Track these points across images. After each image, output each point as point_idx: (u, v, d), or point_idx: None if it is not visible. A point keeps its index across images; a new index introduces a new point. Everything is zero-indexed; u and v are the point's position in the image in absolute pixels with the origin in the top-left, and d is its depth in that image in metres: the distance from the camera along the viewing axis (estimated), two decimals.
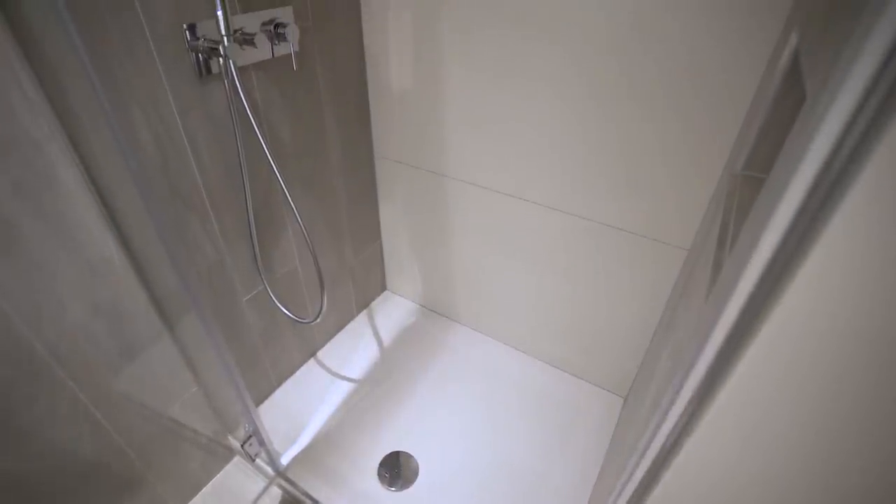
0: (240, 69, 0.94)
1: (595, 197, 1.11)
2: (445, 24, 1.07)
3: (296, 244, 1.27)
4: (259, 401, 1.38)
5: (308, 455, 1.25)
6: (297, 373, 1.48)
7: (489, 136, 1.18)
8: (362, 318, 1.70)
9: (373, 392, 1.43)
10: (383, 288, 1.81)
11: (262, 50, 0.96)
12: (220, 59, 0.86)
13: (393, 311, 1.73)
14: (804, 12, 0.55)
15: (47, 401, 0.78)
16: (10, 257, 0.68)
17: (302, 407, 1.38)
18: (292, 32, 0.95)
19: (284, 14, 0.98)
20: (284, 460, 1.23)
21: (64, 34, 0.58)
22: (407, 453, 1.26)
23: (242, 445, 1.14)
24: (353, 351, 1.57)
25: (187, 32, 0.83)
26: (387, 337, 1.63)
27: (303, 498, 1.17)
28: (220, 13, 0.80)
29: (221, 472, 1.24)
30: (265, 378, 1.37)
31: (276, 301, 1.21)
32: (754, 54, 0.79)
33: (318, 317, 1.12)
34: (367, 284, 1.70)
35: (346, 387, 1.44)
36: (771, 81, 0.64)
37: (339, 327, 1.64)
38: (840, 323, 0.30)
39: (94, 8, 0.70)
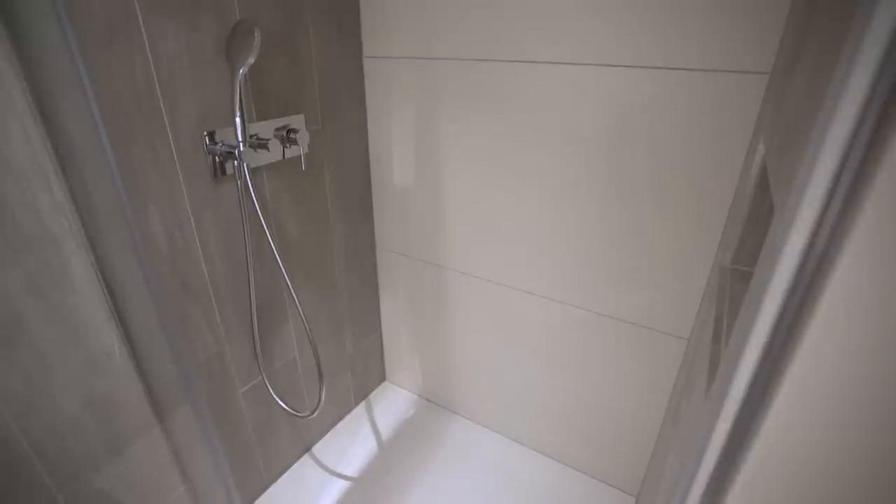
0: (252, 170, 1.00)
1: (593, 288, 1.13)
2: (444, 125, 1.16)
3: (296, 335, 1.27)
4: (249, 501, 1.30)
5: None
6: (292, 469, 1.41)
7: (488, 230, 1.22)
8: (360, 409, 1.65)
9: (370, 490, 1.35)
10: (383, 378, 1.78)
11: (274, 153, 1.03)
12: (235, 163, 0.92)
13: (392, 403, 1.68)
14: (767, 126, 0.61)
15: (22, 501, 0.74)
16: (13, 349, 0.68)
17: None
18: (303, 137, 1.02)
19: (296, 121, 1.07)
20: None
21: (97, 140, 0.63)
22: None
23: None
24: (350, 445, 1.50)
25: (207, 138, 0.90)
26: (385, 430, 1.57)
27: None
28: (238, 122, 0.87)
29: None
30: (257, 475, 1.31)
31: (273, 394, 1.19)
32: (731, 156, 0.85)
33: (315, 410, 1.10)
34: (367, 375, 1.67)
35: (341, 485, 1.37)
36: (747, 182, 0.68)
37: (337, 419, 1.58)
38: (829, 433, 0.31)
39: (126, 115, 0.76)
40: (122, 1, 0.72)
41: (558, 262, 1.15)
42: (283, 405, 1.19)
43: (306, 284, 1.26)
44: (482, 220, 1.22)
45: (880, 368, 0.29)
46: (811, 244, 0.29)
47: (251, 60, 0.84)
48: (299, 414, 1.16)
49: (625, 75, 0.90)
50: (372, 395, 1.71)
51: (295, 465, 1.43)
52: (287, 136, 1.03)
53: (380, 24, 1.15)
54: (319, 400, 1.07)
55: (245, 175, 0.90)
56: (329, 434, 1.54)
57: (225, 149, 0.91)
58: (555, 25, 0.93)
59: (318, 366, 1.02)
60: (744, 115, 0.81)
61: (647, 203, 0.98)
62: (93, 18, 0.69)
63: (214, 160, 0.93)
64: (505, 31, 0.99)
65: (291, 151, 1.06)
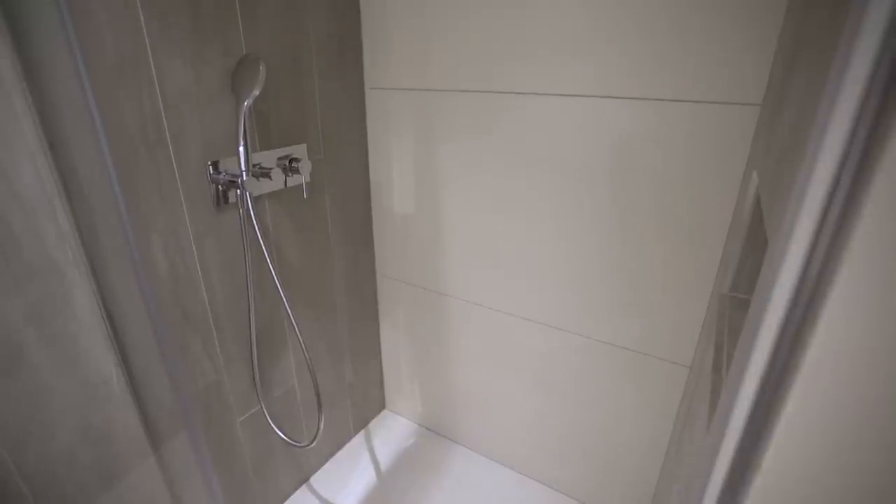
0: (254, 198, 1.01)
1: (593, 315, 1.13)
2: (444, 154, 1.18)
3: (295, 363, 1.26)
4: None
5: None
6: (289, 500, 1.38)
7: (488, 257, 1.23)
8: (360, 438, 1.62)
9: None
10: (382, 407, 1.76)
11: (277, 181, 1.05)
12: (238, 191, 0.94)
13: (392, 432, 1.66)
14: (760, 157, 0.62)
15: None
16: (10, 380, 0.68)
17: None
18: (305, 166, 1.04)
19: (299, 150, 1.09)
20: None
21: (104, 171, 0.65)
22: None
23: None
24: (349, 476, 1.48)
25: (210, 167, 0.92)
26: (385, 460, 1.54)
27: None
28: (241, 152, 0.89)
29: None
30: None
31: (271, 423, 1.17)
32: (726, 186, 0.86)
33: (313, 440, 1.08)
34: (366, 403, 1.66)
35: None
36: (743, 211, 0.69)
37: (336, 448, 1.56)
38: (830, 472, 0.31)
39: (133, 147, 0.78)
40: (134, 35, 0.74)
41: (558, 289, 1.15)
42: (282, 435, 1.17)
43: (306, 312, 1.26)
44: (482, 247, 1.23)
45: (877, 396, 0.29)
46: (803, 277, 0.30)
47: (256, 93, 0.86)
48: (298, 444, 1.14)
49: (620, 106, 0.92)
50: (371, 424, 1.69)
51: (293, 495, 1.40)
52: (289, 165, 1.04)
53: (381, 57, 1.18)
54: (318, 429, 1.06)
55: (247, 203, 0.92)
56: (328, 463, 1.52)
57: (228, 178, 0.92)
58: (552, 59, 0.96)
59: (317, 394, 1.02)
60: (737, 145, 0.83)
61: (646, 231, 0.99)
62: (105, 53, 0.71)
63: (217, 189, 0.94)
64: (503, 64, 1.02)
65: (293, 180, 1.08)
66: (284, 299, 0.97)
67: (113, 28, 0.72)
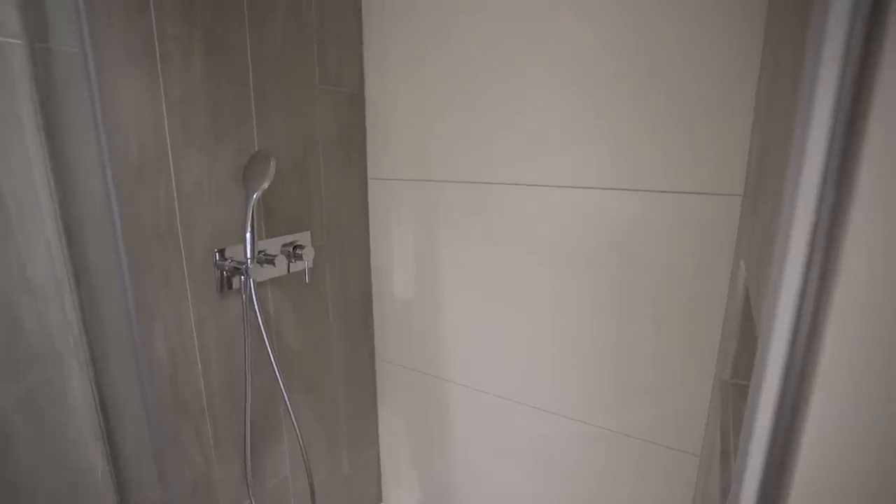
0: (257, 284, 1.04)
1: (597, 402, 1.11)
2: (443, 241, 1.22)
3: (289, 453, 1.21)
4: None
5: None
6: None
7: (489, 343, 1.23)
8: None
9: None
10: (379, 500, 1.65)
11: (280, 267, 1.08)
12: (242, 278, 0.96)
13: None
14: (745, 247, 0.65)
15: None
16: None
17: None
18: (308, 253, 1.07)
19: (303, 237, 1.13)
20: None
21: (117, 262, 0.67)
22: None
23: None
24: None
25: (217, 254, 0.95)
26: None
27: None
28: (248, 240, 0.92)
29: None
30: None
31: None
32: (717, 274, 0.89)
33: None
34: (362, 495, 1.56)
35: None
36: (735, 298, 0.71)
37: None
38: None
39: (145, 237, 0.81)
40: (157, 138, 0.81)
41: (559, 375, 1.14)
42: None
43: (303, 398, 1.24)
44: (483, 333, 1.23)
45: (874, 482, 0.29)
46: (789, 365, 0.31)
47: (266, 186, 0.91)
48: None
49: (614, 197, 0.97)
50: None
51: None
52: (293, 252, 1.08)
53: (384, 150, 1.26)
54: None
55: (251, 289, 0.94)
56: None
57: (233, 264, 0.95)
58: (547, 154, 1.03)
59: (311, 486, 0.97)
60: (724, 234, 0.87)
61: (644, 317, 0.99)
62: (128, 151, 0.77)
63: (222, 275, 0.96)
64: (498, 157, 1.09)
65: (296, 266, 1.11)
66: (282, 385, 0.95)
67: (139, 130, 0.78)
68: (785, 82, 0.50)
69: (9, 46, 0.62)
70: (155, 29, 0.78)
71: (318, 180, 1.16)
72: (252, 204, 0.92)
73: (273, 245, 1.06)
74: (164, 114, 0.81)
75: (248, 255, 0.93)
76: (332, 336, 1.29)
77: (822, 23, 0.27)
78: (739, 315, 0.67)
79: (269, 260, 1.00)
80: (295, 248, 1.08)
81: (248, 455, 1.07)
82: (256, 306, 0.94)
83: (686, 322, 0.95)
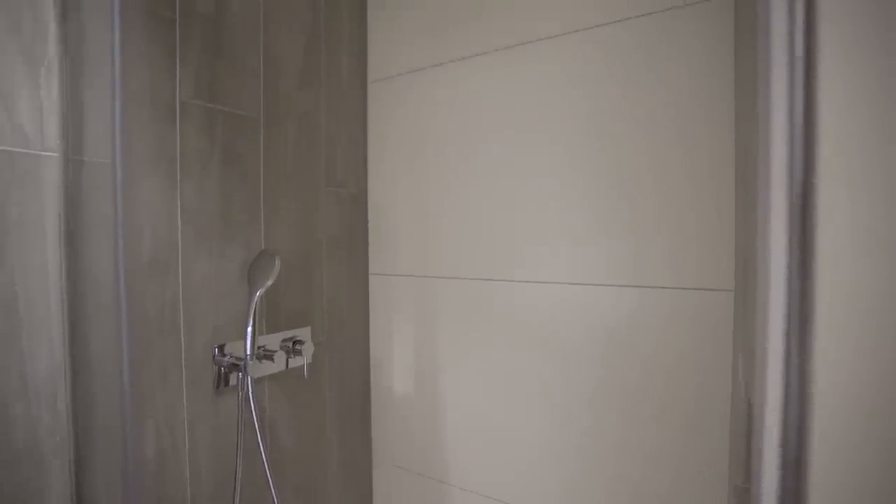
0: (254, 380, 1.02)
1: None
2: (442, 336, 1.22)
3: None
4: None
5: None
6: None
7: (489, 443, 1.18)
8: None
9: None
10: None
11: (279, 363, 1.07)
12: (240, 374, 0.95)
13: None
14: (740, 344, 0.66)
15: None
16: None
17: None
18: (308, 348, 1.07)
19: (303, 333, 1.13)
20: None
21: (118, 362, 0.67)
22: None
23: None
24: None
25: (216, 350, 0.95)
26: None
27: None
28: (249, 336, 0.93)
29: None
30: None
31: None
32: (719, 372, 0.88)
33: None
34: None
35: None
36: (738, 398, 0.70)
37: None
38: None
39: (148, 335, 0.82)
40: (170, 236, 0.85)
41: (565, 478, 1.08)
42: None
43: (295, 502, 1.16)
44: (483, 432, 1.19)
45: None
46: (784, 463, 0.31)
47: (270, 283, 0.94)
48: None
49: (611, 293, 0.99)
50: None
51: None
52: (292, 347, 1.07)
53: (385, 246, 1.31)
54: None
55: (248, 387, 0.92)
56: None
57: (232, 360, 0.94)
58: (542, 252, 1.07)
59: None
60: (722, 330, 0.87)
61: (647, 416, 0.96)
62: (141, 252, 0.80)
63: (220, 371, 0.96)
64: (494, 256, 1.12)
65: (295, 361, 1.10)
66: (273, 490, 0.90)
67: (154, 231, 0.82)
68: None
69: (45, 159, 0.68)
70: (178, 141, 0.86)
71: (321, 276, 1.19)
72: (255, 301, 0.94)
73: (273, 340, 1.06)
74: (179, 215, 0.86)
75: (249, 352, 0.93)
76: (328, 436, 1.24)
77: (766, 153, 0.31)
78: (745, 415, 0.66)
79: (268, 356, 1.00)
80: (294, 343, 1.08)
81: None
82: (252, 404, 0.92)
83: (693, 422, 0.92)
